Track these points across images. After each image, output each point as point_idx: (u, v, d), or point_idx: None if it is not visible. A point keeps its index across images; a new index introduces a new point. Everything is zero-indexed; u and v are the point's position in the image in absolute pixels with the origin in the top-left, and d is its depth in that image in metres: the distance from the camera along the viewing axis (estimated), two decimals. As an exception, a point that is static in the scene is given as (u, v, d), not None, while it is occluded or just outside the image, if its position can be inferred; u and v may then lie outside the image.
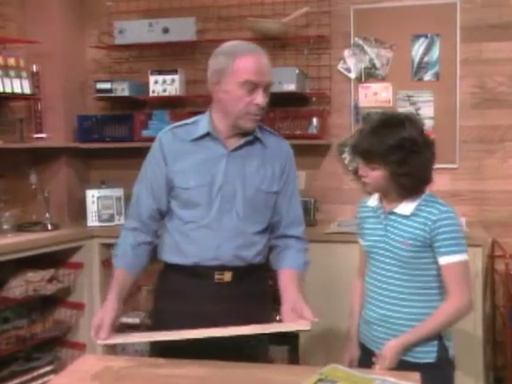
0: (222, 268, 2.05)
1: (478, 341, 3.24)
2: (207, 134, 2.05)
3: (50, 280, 3.51)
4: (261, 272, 2.15)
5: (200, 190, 2.03)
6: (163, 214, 2.14)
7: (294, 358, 3.58)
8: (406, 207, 2.02)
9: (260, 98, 1.96)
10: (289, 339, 3.53)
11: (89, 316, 3.64)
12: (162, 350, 2.00)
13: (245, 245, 2.05)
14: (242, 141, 2.06)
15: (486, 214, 3.70)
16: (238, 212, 2.04)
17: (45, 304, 3.65)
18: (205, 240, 2.04)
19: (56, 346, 3.70)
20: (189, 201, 2.05)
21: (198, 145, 2.06)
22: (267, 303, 2.21)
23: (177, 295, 2.09)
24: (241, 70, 1.94)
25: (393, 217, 2.05)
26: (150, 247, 2.14)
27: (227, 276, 2.06)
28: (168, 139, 2.09)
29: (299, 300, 1.93)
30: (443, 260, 1.97)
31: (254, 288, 2.11)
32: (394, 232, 2.03)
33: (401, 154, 1.94)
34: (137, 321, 3.77)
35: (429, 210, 1.99)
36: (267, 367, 1.96)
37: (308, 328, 1.82)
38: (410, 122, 1.99)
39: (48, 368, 3.53)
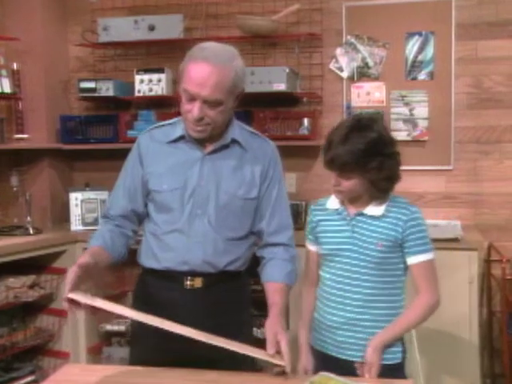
0: (192, 274, 2.01)
1: (474, 348, 3.20)
2: (182, 137, 2.02)
3: (32, 286, 3.45)
4: (237, 280, 2.08)
5: (173, 194, 2.00)
6: (141, 217, 2.12)
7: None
8: (375, 208, 2.01)
9: (194, 111, 1.88)
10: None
11: (72, 323, 3.59)
12: (144, 354, 2.02)
13: (216, 252, 2.00)
14: (217, 145, 2.01)
15: (482, 217, 3.66)
16: (210, 218, 1.99)
17: (26, 311, 3.58)
18: (175, 245, 2.00)
19: (38, 354, 3.64)
20: (163, 204, 2.02)
21: (174, 147, 2.04)
22: (243, 312, 2.13)
23: (151, 300, 2.04)
24: (185, 76, 1.89)
25: (361, 218, 2.03)
26: (127, 240, 2.09)
27: (197, 282, 2.01)
28: (145, 141, 2.08)
29: (279, 329, 1.82)
30: (414, 259, 1.99)
31: (228, 296, 2.05)
32: (363, 233, 2.01)
33: (377, 159, 1.93)
34: (122, 328, 3.69)
35: (399, 210, 2.00)
36: (255, 375, 1.90)
37: (283, 365, 1.73)
38: (375, 122, 1.99)
39: (29, 378, 3.46)
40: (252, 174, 2.03)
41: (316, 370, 2.06)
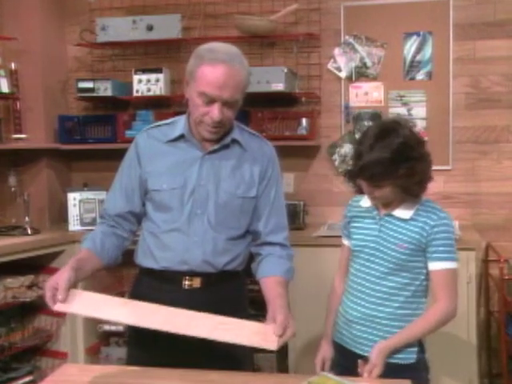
0: (191, 273, 2.01)
1: (472, 347, 3.21)
2: (182, 136, 2.02)
3: (30, 286, 3.43)
4: (235, 279, 2.09)
5: (172, 193, 2.00)
6: (139, 217, 2.11)
7: (283, 366, 3.49)
8: (405, 211, 2.01)
9: (215, 113, 1.89)
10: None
11: (70, 324, 3.59)
12: (142, 354, 2.04)
13: (215, 251, 2.00)
14: (218, 144, 2.01)
15: (480, 217, 3.66)
16: (210, 217, 1.99)
17: (24, 311, 3.57)
18: (174, 244, 2.00)
19: (36, 355, 3.62)
20: (161, 203, 2.02)
21: (172, 146, 2.03)
22: (242, 311, 2.12)
23: (148, 301, 1.98)
24: (201, 79, 1.88)
25: (389, 219, 2.03)
26: (122, 242, 2.08)
27: (196, 282, 2.01)
28: (143, 140, 2.07)
29: (283, 315, 1.79)
30: (435, 265, 1.97)
31: (227, 295, 2.05)
32: (389, 234, 2.01)
33: (406, 164, 1.90)
34: (120, 328, 3.68)
35: (428, 215, 1.99)
36: (253, 375, 1.92)
37: (274, 349, 1.71)
38: (399, 125, 1.97)
39: (27, 379, 3.44)
40: (251, 173, 2.03)
41: (334, 362, 2.12)
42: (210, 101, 1.88)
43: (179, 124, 2.04)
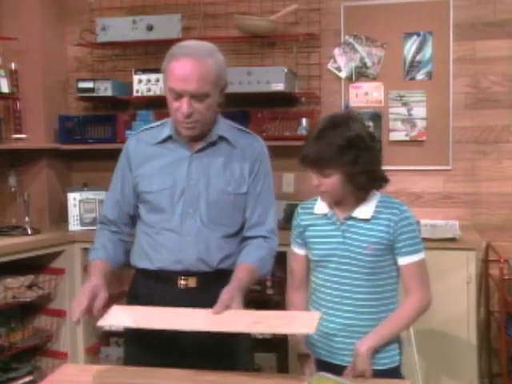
0: (186, 273, 2.01)
1: (472, 347, 3.20)
2: (170, 137, 2.04)
3: (30, 286, 3.44)
4: (230, 279, 2.04)
5: (162, 194, 2.02)
6: (134, 219, 2.14)
7: (283, 366, 3.49)
8: (364, 211, 1.98)
9: (184, 107, 1.90)
10: (277, 346, 3.45)
11: (70, 324, 3.57)
12: (139, 355, 2.04)
13: (209, 249, 2.01)
14: (204, 142, 2.02)
15: (480, 217, 3.65)
16: (202, 216, 2.00)
17: (24, 311, 3.58)
18: (168, 244, 2.01)
19: (36, 355, 3.62)
20: (153, 205, 2.04)
21: (161, 148, 2.06)
22: None
23: (145, 302, 2.02)
24: (169, 75, 1.91)
25: (351, 222, 1.99)
26: (126, 246, 2.13)
27: (191, 281, 2.02)
28: (133, 144, 2.11)
29: (226, 294, 1.84)
30: (406, 260, 1.96)
31: None
32: (354, 238, 1.97)
33: (352, 152, 1.88)
34: (120, 328, 3.65)
35: (389, 211, 1.97)
36: (253, 376, 1.90)
37: (312, 332, 1.74)
38: (352, 119, 1.95)
39: (27, 379, 3.44)
40: (241, 169, 2.04)
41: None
42: (179, 96, 1.89)
43: (167, 125, 2.07)
